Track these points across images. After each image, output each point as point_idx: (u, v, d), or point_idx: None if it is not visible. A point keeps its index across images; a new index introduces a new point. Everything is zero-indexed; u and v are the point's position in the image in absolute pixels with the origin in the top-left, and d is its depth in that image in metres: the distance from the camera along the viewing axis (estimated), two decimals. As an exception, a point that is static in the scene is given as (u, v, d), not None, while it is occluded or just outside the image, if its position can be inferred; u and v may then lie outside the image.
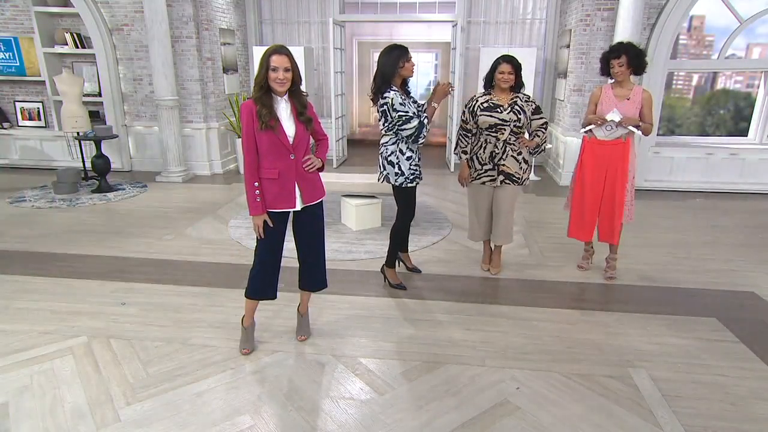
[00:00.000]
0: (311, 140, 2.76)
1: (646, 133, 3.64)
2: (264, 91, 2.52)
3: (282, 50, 2.49)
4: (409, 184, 3.48)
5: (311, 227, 2.81)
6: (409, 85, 3.49)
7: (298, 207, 2.69)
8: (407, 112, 3.27)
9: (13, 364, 2.75)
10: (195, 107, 7.18)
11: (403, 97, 3.30)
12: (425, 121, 3.35)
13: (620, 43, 3.64)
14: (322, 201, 2.83)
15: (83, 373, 2.69)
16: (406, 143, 3.41)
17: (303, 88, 2.65)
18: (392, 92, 3.27)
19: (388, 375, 2.71)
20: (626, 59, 3.53)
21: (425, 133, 3.39)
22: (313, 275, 2.91)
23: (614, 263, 3.96)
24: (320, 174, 2.81)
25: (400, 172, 3.45)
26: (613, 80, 3.68)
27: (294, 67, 2.52)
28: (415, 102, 3.46)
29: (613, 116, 3.56)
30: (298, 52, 7.36)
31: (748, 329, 3.22)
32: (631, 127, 3.58)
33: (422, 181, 3.63)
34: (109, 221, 5.25)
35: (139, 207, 5.75)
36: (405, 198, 3.56)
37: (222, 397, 2.51)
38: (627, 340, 3.08)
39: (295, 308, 3.14)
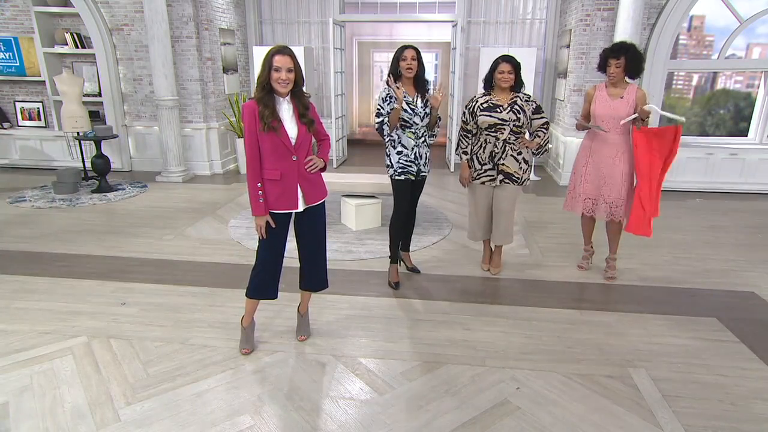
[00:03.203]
0: (313, 140, 2.76)
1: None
2: (266, 92, 2.52)
3: (285, 50, 2.49)
4: (397, 177, 3.55)
5: (313, 228, 2.81)
6: (428, 83, 3.56)
7: (301, 208, 2.69)
8: (381, 108, 3.46)
9: (13, 364, 2.75)
10: (195, 107, 7.18)
11: (388, 95, 3.44)
12: (385, 126, 3.47)
13: (622, 44, 3.63)
14: (324, 201, 2.83)
15: (83, 373, 2.69)
16: (398, 137, 3.50)
17: (304, 88, 2.65)
18: (384, 88, 3.49)
19: (388, 375, 2.71)
20: (624, 61, 3.54)
21: (387, 134, 3.49)
22: (315, 275, 2.91)
23: (614, 263, 3.96)
24: (321, 174, 2.81)
25: (389, 164, 3.57)
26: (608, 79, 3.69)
27: (297, 68, 2.51)
28: (424, 103, 3.50)
29: (652, 107, 3.53)
30: (298, 52, 7.31)
31: (748, 329, 3.22)
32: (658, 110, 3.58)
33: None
34: (109, 221, 5.25)
35: (139, 207, 5.75)
36: (394, 191, 3.64)
37: (222, 397, 2.51)
38: (627, 340, 3.08)
39: (295, 308, 3.14)
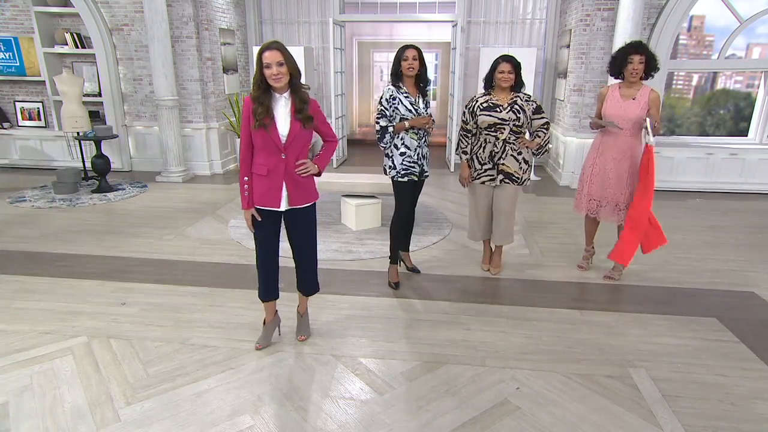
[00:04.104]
0: (316, 140, 2.72)
1: (655, 132, 3.61)
2: (263, 90, 2.50)
3: (273, 45, 2.45)
4: (400, 179, 3.54)
5: (300, 230, 2.77)
6: (428, 84, 3.59)
7: (283, 207, 2.65)
8: (385, 109, 3.44)
9: (13, 364, 2.75)
10: (195, 107, 7.18)
11: (391, 95, 3.42)
12: (390, 128, 3.46)
13: (639, 42, 3.61)
14: (313, 205, 2.76)
15: (83, 373, 2.69)
16: (401, 138, 3.49)
17: (303, 81, 2.62)
18: (387, 88, 3.47)
19: (388, 375, 2.71)
20: (646, 58, 3.52)
21: (387, 142, 3.49)
22: (304, 278, 2.91)
23: (621, 267, 3.91)
24: (314, 178, 2.75)
25: (392, 165, 3.55)
26: (622, 80, 3.66)
27: (288, 61, 2.47)
28: (425, 104, 3.52)
29: (646, 124, 3.51)
30: (298, 52, 7.35)
31: (748, 329, 3.22)
32: (649, 131, 3.54)
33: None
34: (109, 221, 5.25)
35: (139, 207, 5.75)
36: (396, 192, 3.63)
37: (222, 397, 2.51)
38: (627, 340, 3.08)
39: (294, 308, 3.14)
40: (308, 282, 2.93)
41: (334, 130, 2.81)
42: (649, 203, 3.57)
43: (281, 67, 2.45)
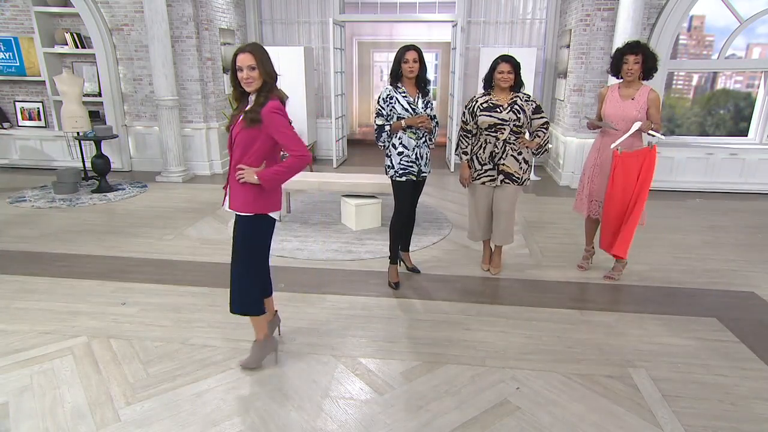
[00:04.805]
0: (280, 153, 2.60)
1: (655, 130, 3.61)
2: (239, 92, 2.48)
3: (247, 48, 2.39)
4: (398, 179, 3.55)
5: (235, 236, 2.63)
6: (428, 84, 3.58)
7: (225, 207, 2.62)
8: (381, 109, 3.47)
9: (13, 364, 2.75)
10: (195, 107, 7.18)
11: (388, 95, 3.45)
12: (387, 127, 3.48)
13: (638, 41, 3.61)
14: (252, 218, 2.55)
15: (83, 373, 2.69)
16: (399, 138, 3.50)
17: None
18: (385, 88, 3.51)
19: (388, 375, 2.71)
20: (642, 58, 3.51)
21: (383, 140, 3.52)
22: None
23: (621, 267, 3.91)
24: (256, 187, 2.49)
25: (390, 165, 3.57)
26: (622, 80, 3.67)
27: (261, 65, 2.38)
28: (425, 104, 3.52)
29: (635, 127, 3.52)
30: (298, 52, 7.35)
31: (748, 329, 3.22)
32: (651, 132, 3.52)
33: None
34: (109, 221, 5.24)
35: (139, 207, 5.75)
36: (395, 191, 3.64)
37: (222, 397, 2.51)
38: (627, 340, 3.08)
39: (294, 308, 3.15)
40: (232, 298, 2.65)
41: (303, 144, 2.46)
42: (642, 203, 3.58)
43: (252, 72, 2.37)
